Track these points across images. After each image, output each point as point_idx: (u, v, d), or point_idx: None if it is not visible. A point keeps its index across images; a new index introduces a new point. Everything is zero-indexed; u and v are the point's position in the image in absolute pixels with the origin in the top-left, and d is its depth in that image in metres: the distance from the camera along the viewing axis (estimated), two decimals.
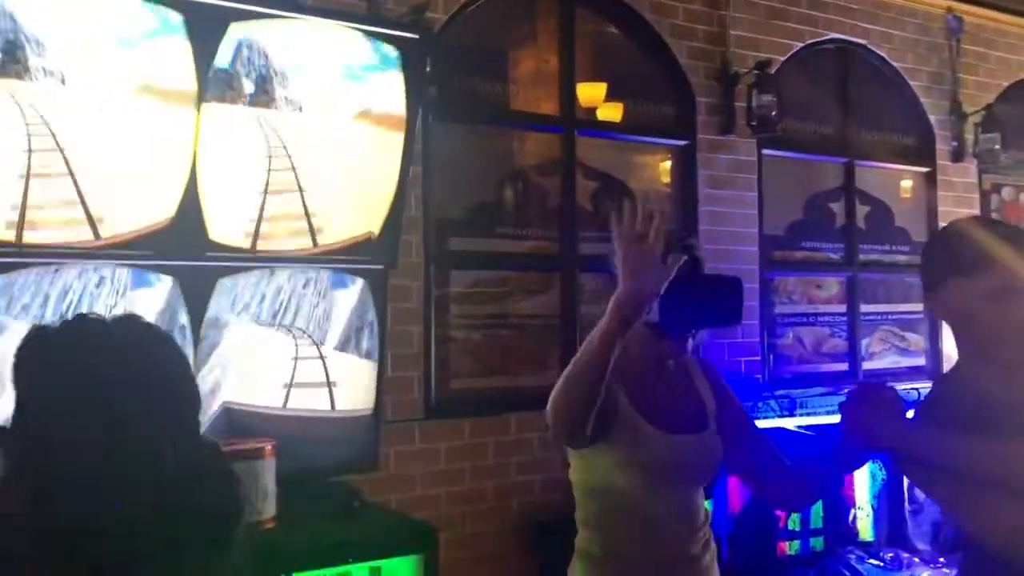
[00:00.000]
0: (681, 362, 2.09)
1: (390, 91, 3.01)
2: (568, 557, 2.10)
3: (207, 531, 1.15)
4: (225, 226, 2.73)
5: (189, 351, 2.67)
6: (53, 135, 2.42)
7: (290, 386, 2.87)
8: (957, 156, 4.89)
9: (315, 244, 2.90)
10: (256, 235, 2.78)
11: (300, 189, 2.83)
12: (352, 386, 2.99)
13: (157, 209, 2.60)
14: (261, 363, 2.83)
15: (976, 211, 4.99)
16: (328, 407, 2.93)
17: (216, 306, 2.73)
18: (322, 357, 2.94)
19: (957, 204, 4.83)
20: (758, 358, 4.21)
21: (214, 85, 2.66)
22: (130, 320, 1.23)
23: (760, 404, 3.89)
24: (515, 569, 3.43)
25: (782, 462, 2.08)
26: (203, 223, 2.68)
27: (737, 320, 1.78)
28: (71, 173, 2.46)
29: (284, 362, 2.87)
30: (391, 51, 3.00)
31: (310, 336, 2.92)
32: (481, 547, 3.39)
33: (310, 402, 2.90)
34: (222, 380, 2.75)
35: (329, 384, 2.94)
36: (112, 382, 1.13)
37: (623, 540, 1.98)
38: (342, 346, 3.00)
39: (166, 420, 1.15)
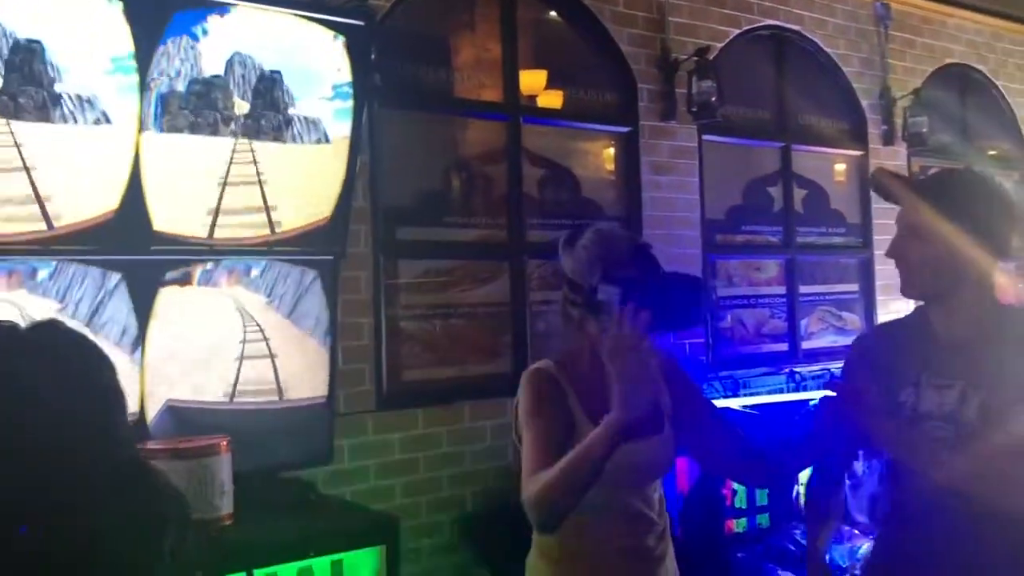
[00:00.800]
0: None
1: (336, 79, 2.97)
2: (524, 544, 2.12)
3: (136, 539, 1.10)
4: (176, 217, 2.66)
5: (126, 352, 2.61)
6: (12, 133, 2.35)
7: (237, 382, 2.82)
8: (887, 139, 5.04)
9: (272, 232, 2.86)
10: (213, 225, 2.72)
11: (259, 179, 2.79)
12: (302, 378, 2.96)
13: (101, 202, 2.53)
14: (208, 358, 2.77)
15: None
16: (276, 398, 2.89)
17: (162, 301, 2.67)
18: (272, 355, 2.90)
19: None
20: (701, 340, 4.28)
21: (156, 74, 2.59)
22: (48, 325, 1.18)
23: (705, 386, 3.96)
24: (473, 557, 3.44)
25: (747, 442, 2.10)
26: (148, 215, 2.61)
27: (694, 324, 1.75)
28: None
29: (232, 358, 2.81)
30: (336, 38, 2.96)
31: (260, 329, 2.88)
32: (439, 536, 3.39)
33: (259, 395, 2.86)
34: (167, 377, 2.69)
35: (277, 377, 2.90)
36: (24, 391, 1.07)
37: (580, 538, 1.98)
38: (292, 338, 2.95)
39: (86, 427, 1.09)
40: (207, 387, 2.75)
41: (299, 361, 2.96)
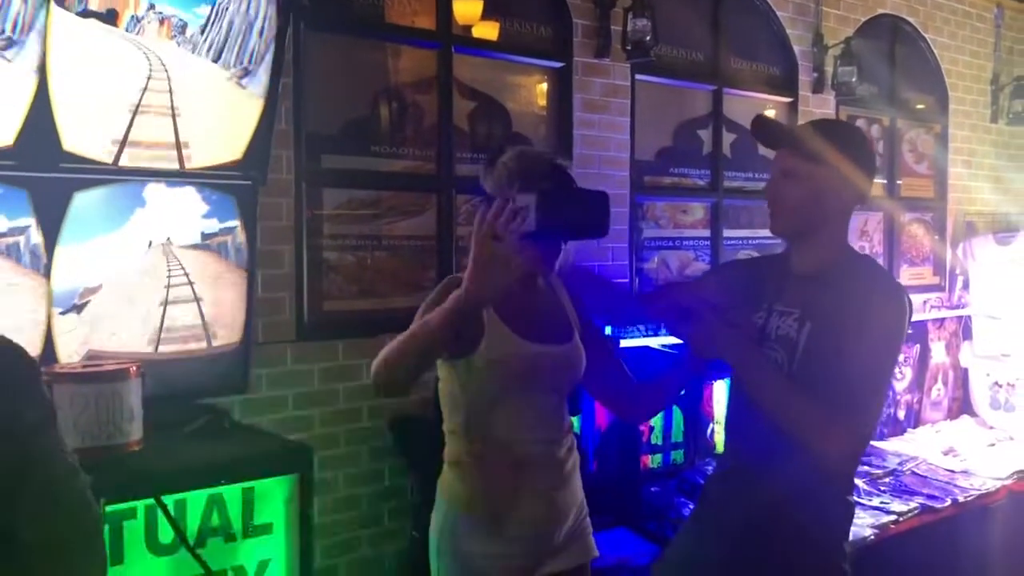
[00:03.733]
0: (549, 280, 2.17)
1: None
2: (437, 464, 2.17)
3: None
4: (84, 139, 2.55)
5: (41, 281, 2.51)
6: None
7: (157, 318, 2.75)
8: (817, 87, 5.09)
9: (182, 167, 2.77)
10: (120, 151, 2.61)
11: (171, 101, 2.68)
12: (221, 309, 2.90)
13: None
14: (128, 299, 2.69)
15: None
16: (198, 338, 2.83)
17: (72, 227, 2.57)
18: (192, 286, 2.83)
19: None
20: (627, 280, 4.32)
21: None
22: None
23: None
24: (389, 487, 3.47)
25: (629, 377, 2.25)
26: (56, 134, 2.49)
27: (604, 232, 1.84)
28: None
29: (149, 292, 2.74)
30: None
31: (181, 265, 2.80)
32: (357, 465, 3.40)
33: (178, 334, 2.80)
34: (84, 321, 2.61)
35: (202, 314, 2.84)
36: None
37: (488, 445, 2.06)
38: (211, 271, 2.88)
39: None
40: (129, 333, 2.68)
41: (219, 294, 2.89)
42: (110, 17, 2.59)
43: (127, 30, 2.62)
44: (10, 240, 2.46)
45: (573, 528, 2.18)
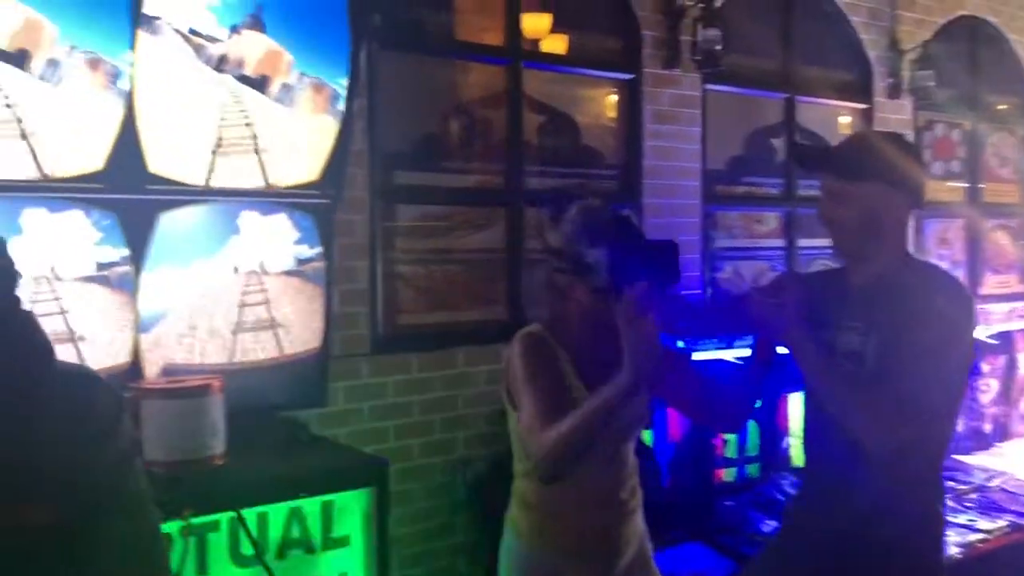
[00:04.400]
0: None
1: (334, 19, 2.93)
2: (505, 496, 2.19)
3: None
4: (170, 160, 2.65)
5: (127, 299, 2.61)
6: None
7: (237, 332, 2.83)
8: (893, 92, 4.98)
9: (267, 184, 2.85)
10: (210, 170, 2.71)
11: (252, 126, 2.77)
12: (299, 326, 2.97)
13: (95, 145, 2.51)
14: (207, 310, 2.78)
15: None
16: (276, 353, 2.91)
17: (158, 246, 2.66)
18: (271, 303, 2.90)
19: None
20: (699, 292, 4.29)
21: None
22: None
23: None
24: (462, 500, 3.49)
25: (709, 387, 2.25)
26: (142, 156, 2.59)
27: (676, 280, 1.86)
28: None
29: (230, 308, 2.82)
30: None
31: (258, 276, 2.88)
32: (430, 479, 3.44)
33: (258, 349, 2.87)
34: (165, 333, 2.70)
35: (275, 326, 2.91)
36: None
37: (556, 490, 2.08)
38: (290, 288, 2.96)
39: None
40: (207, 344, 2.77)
41: (296, 309, 2.96)
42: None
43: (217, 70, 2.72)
44: (102, 259, 2.57)
45: (634, 557, 2.22)
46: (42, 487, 1.09)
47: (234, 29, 2.76)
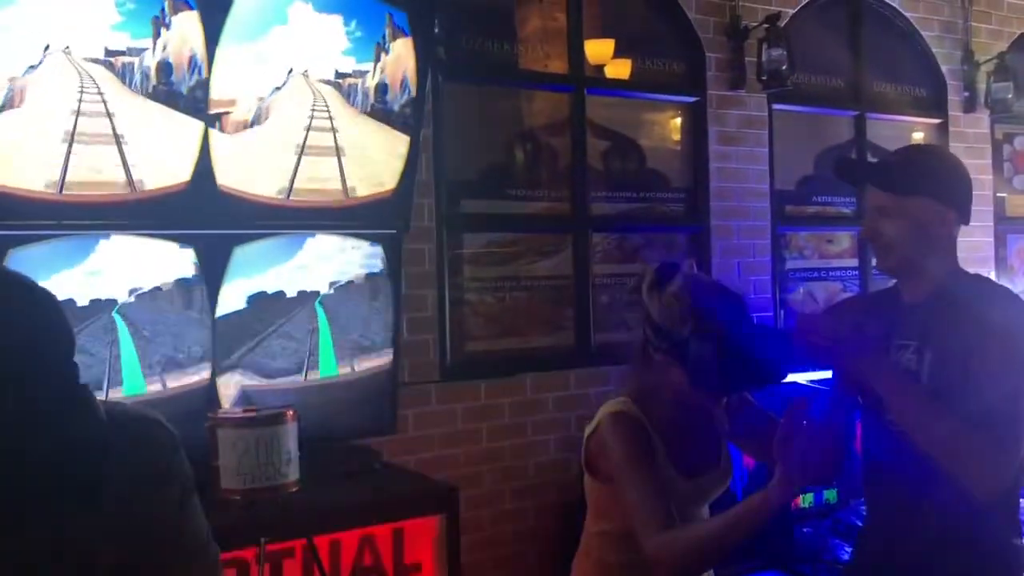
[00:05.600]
0: None
1: (400, 54, 2.99)
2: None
3: (67, 477, 1.10)
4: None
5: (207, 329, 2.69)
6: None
7: (309, 356, 2.89)
8: (969, 106, 4.85)
9: (347, 195, 2.93)
10: (290, 191, 2.82)
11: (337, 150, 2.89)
12: (368, 350, 3.01)
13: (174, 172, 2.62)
14: (280, 335, 2.85)
15: (988, 162, 4.96)
16: (349, 369, 2.95)
17: (232, 277, 2.74)
18: (342, 331, 2.96)
19: (969, 155, 4.78)
20: (770, 314, 4.22)
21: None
22: None
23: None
24: (532, 527, 3.48)
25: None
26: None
27: (781, 379, 1.78)
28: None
29: (303, 331, 2.88)
30: (399, 13, 2.98)
31: (324, 304, 2.94)
32: (499, 505, 3.44)
33: (334, 383, 2.93)
34: (241, 359, 2.77)
35: (353, 358, 2.97)
36: None
37: (635, 553, 2.01)
38: (359, 311, 3.01)
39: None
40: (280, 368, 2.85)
41: (367, 336, 3.02)
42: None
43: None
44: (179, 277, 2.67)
45: None
46: (107, 529, 1.12)
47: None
